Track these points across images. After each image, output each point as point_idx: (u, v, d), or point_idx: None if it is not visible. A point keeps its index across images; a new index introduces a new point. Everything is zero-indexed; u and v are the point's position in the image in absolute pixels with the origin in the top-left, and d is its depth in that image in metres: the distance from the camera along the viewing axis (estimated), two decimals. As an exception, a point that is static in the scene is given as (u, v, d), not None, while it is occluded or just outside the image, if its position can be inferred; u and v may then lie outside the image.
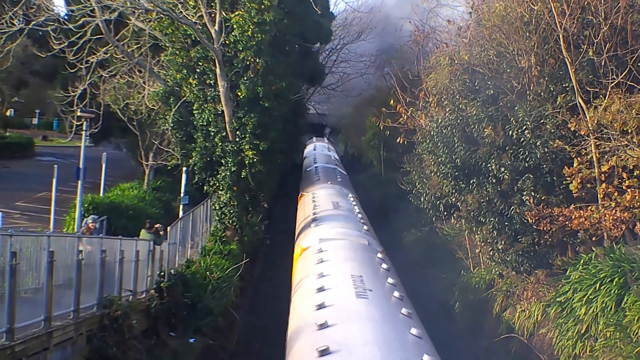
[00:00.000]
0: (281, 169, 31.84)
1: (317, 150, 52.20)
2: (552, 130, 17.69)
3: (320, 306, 12.12)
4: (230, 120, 23.68)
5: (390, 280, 14.48)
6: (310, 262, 16.94)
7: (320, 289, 13.42)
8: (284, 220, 36.83)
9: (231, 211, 24.71)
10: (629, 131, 15.79)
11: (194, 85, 23.97)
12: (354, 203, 27.62)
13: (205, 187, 24.83)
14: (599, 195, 16.75)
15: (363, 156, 55.44)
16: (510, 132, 18.44)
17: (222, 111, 23.83)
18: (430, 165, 21.81)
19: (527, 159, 18.14)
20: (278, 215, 41.24)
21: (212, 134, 24.10)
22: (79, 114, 23.49)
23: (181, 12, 21.50)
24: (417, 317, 12.50)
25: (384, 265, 16.32)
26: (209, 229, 26.62)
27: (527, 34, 18.63)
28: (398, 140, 24.43)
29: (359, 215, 24.80)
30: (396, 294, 13.44)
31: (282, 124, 25.70)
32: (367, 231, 21.68)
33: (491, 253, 20.57)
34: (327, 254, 16.85)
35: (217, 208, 24.93)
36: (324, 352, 9.65)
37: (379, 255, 17.78)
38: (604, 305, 15.03)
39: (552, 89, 18.38)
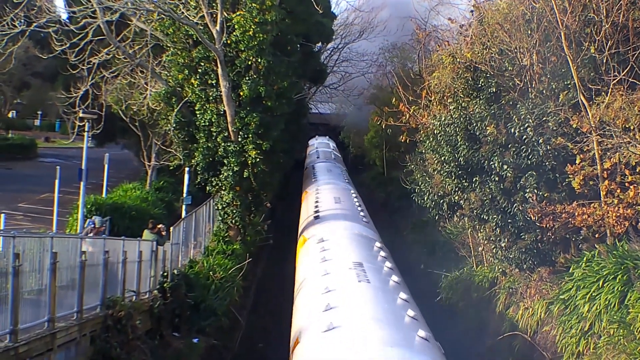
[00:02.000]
0: (284, 169, 31.96)
1: (319, 149, 52.55)
2: (555, 128, 17.62)
3: (326, 289, 13.93)
4: (233, 120, 23.76)
5: (387, 264, 16.77)
6: (313, 251, 18.75)
7: (325, 274, 15.37)
8: (286, 219, 37.00)
9: (234, 211, 24.72)
10: (631, 128, 15.69)
11: (195, 86, 24.01)
12: (355, 200, 28.61)
13: (207, 187, 24.90)
14: (601, 192, 16.69)
15: (366, 155, 55.38)
16: (512, 130, 18.38)
17: (224, 111, 23.90)
18: (433, 164, 21.78)
19: (530, 157, 18.10)
20: (281, 215, 41.42)
21: (215, 134, 24.18)
22: (81, 115, 23.55)
23: (182, 12, 21.54)
24: (413, 302, 14.01)
25: (382, 254, 18.45)
26: (211, 229, 26.67)
27: (529, 32, 18.56)
28: (400, 139, 24.50)
29: (359, 209, 26.32)
30: (395, 278, 15.18)
31: (285, 123, 25.73)
32: (366, 222, 23.69)
33: (494, 251, 20.50)
34: (329, 243, 18.74)
35: (220, 208, 24.95)
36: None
37: (377, 244, 19.80)
38: (607, 302, 14.95)
39: (554, 86, 18.30)
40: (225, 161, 24.13)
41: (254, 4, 22.55)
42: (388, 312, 12.66)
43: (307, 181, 36.98)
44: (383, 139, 44.23)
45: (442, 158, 20.59)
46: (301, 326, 13.18)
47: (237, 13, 22.84)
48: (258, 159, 23.72)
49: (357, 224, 22.99)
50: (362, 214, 25.47)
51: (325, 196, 28.36)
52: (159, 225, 21.51)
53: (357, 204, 27.57)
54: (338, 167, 42.56)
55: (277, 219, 39.78)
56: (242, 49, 23.03)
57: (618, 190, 16.19)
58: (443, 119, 20.66)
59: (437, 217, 23.88)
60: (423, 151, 23.46)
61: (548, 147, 17.68)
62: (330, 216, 24.12)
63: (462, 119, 19.89)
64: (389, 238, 24.19)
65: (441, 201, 22.18)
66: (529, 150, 18.10)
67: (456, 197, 20.88)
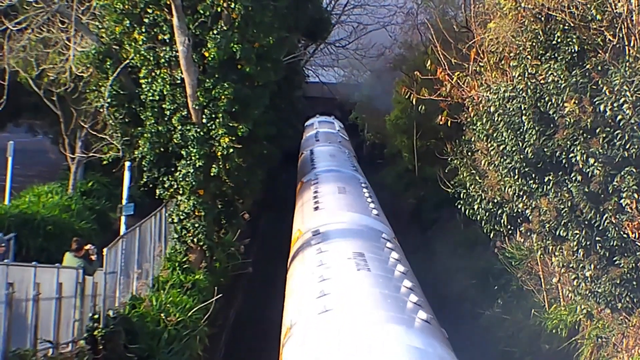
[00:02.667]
0: (269, 163, 32.13)
1: (320, 130, 53.67)
2: (664, 104, 17.54)
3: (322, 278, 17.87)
4: (194, 94, 23.79)
5: (394, 255, 20.89)
6: (308, 244, 22.92)
7: (320, 264, 19.51)
8: (274, 235, 37.22)
9: (196, 225, 24.71)
10: None
11: (140, 43, 23.99)
12: (365, 190, 32.06)
13: (157, 191, 24.97)
14: None
15: (387, 144, 55.96)
16: (602, 107, 18.29)
17: (182, 80, 23.92)
18: (487, 157, 21.83)
19: (627, 146, 18.01)
20: (266, 228, 41.81)
21: (168, 113, 24.25)
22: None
23: None
24: (419, 289, 18.33)
25: (389, 245, 22.55)
26: (163, 252, 26.76)
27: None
28: (439, 121, 24.51)
29: (369, 200, 30.13)
30: (400, 268, 19.33)
31: (270, 98, 25.85)
32: (377, 216, 27.46)
33: (575, 283, 20.35)
34: (327, 234, 23.12)
35: (176, 221, 24.96)
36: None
37: (385, 236, 23.92)
38: None
39: (663, 43, 18.37)
40: (184, 152, 24.09)
41: None
42: (389, 297, 16.41)
43: (303, 169, 40.45)
44: (413, 120, 44.63)
45: (501, 148, 20.55)
46: (293, 314, 17.47)
47: None
48: (231, 150, 23.73)
49: (365, 215, 26.55)
50: (372, 205, 28.94)
51: (327, 186, 31.55)
52: (87, 247, 21.50)
53: (366, 194, 31.08)
54: (344, 151, 44.98)
55: (261, 235, 40.04)
56: (208, -13, 23.29)
57: None
58: (502, 91, 20.62)
59: (491, 235, 23.88)
60: (472, 138, 23.52)
61: (655, 133, 17.60)
62: (332, 208, 27.52)
63: (529, 92, 19.90)
64: (421, 263, 24.35)
65: (499, 211, 22.19)
66: (626, 137, 17.99)
67: (520, 205, 20.90)
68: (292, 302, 19.22)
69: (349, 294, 16.53)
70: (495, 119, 20.68)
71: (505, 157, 20.45)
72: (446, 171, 27.92)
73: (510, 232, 23.17)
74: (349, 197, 29.66)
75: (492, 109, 20.85)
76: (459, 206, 23.92)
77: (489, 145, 21.45)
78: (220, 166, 24.18)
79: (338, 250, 21.12)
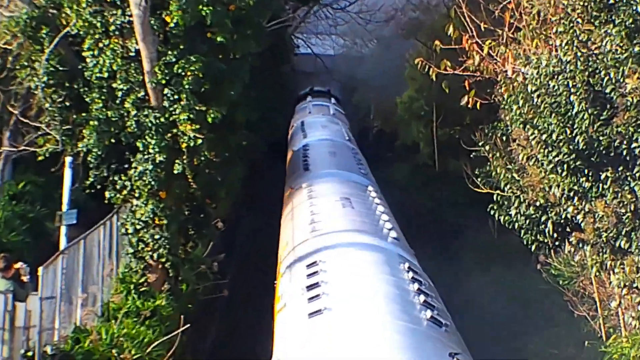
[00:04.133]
0: (250, 157, 32.62)
1: (313, 103, 54.43)
2: None
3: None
4: (153, 69, 23.88)
5: (377, 201, 29.89)
6: (299, 195, 31.04)
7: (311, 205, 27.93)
8: (256, 249, 37.37)
9: (156, 237, 24.83)
10: None
11: (84, 5, 24.04)
12: (355, 154, 38.82)
13: (107, 193, 25.09)
14: None
15: (399, 133, 55.74)
16: (673, 84, 18.26)
17: (138, 52, 24.04)
18: (527, 149, 21.86)
19: None
20: (245, 242, 41.67)
21: (120, 94, 24.36)
22: None
23: None
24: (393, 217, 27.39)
25: (373, 194, 30.91)
26: (115, 271, 26.77)
27: None
28: (464, 103, 24.10)
29: (360, 165, 37.54)
30: (381, 208, 28.23)
31: (251, 74, 25.98)
32: (364, 174, 35.60)
33: (641, 307, 20.48)
34: (316, 187, 30.97)
35: (131, 231, 25.02)
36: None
37: (371, 188, 32.19)
38: None
39: None
40: (140, 144, 24.22)
41: None
42: (368, 223, 25.83)
43: (293, 140, 45.42)
44: (432, 102, 45.15)
45: (544, 137, 20.55)
46: (288, 239, 26.38)
47: None
48: (200, 140, 23.88)
49: (354, 174, 34.37)
50: (360, 166, 36.83)
51: (318, 151, 38.46)
52: (18, 265, 21.41)
53: (357, 158, 38.39)
54: (337, 123, 48.05)
55: (240, 248, 40.02)
56: None
57: None
58: (544, 64, 20.60)
59: (533, 247, 23.61)
60: (507, 125, 23.55)
61: None
62: (324, 167, 34.99)
63: (580, 65, 19.83)
64: (442, 282, 24.57)
65: (542, 217, 22.19)
66: None
67: (570, 210, 20.89)
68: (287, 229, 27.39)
69: (333, 223, 25.32)
70: (537, 99, 20.73)
71: (550, 149, 20.47)
72: (474, 167, 27.43)
73: (556, 243, 22.89)
74: (340, 160, 34.79)
75: (532, 87, 20.88)
76: (492, 211, 23.77)
77: (529, 133, 21.39)
78: (186, 161, 24.23)
79: (327, 196, 29.16)
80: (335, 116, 53.51)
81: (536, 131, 20.89)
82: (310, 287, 20.59)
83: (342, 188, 30.56)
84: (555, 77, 20.28)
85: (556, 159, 20.35)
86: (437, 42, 25.16)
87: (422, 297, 19.56)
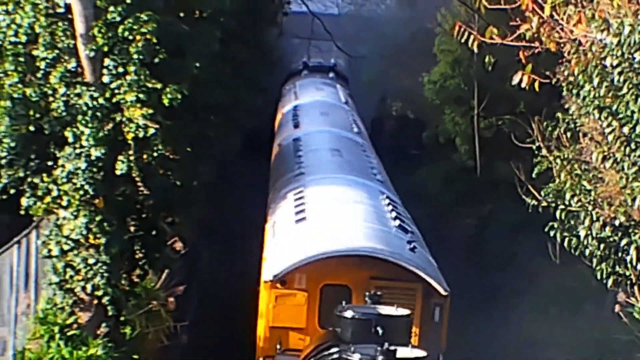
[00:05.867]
0: (221, 154, 33.14)
1: (309, 67, 57.06)
2: None
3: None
4: (89, 32, 23.11)
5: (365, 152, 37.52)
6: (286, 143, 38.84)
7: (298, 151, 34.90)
8: (224, 277, 37.52)
9: (90, 261, 23.69)
10: None
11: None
12: (351, 116, 45.26)
13: (24, 201, 23.93)
14: None
15: (427, 124, 53.41)
16: None
17: (68, 7, 23.29)
18: (602, 145, 20.66)
19: None
20: (211, 269, 40.87)
21: (43, 64, 23.50)
22: None
23: None
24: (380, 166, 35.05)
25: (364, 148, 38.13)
26: (33, 307, 25.67)
27: None
28: (517, 81, 22.10)
29: (354, 125, 43.23)
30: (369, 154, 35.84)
31: (223, 40, 26.42)
32: (357, 133, 41.75)
33: None
34: (307, 139, 37.58)
35: (56, 254, 23.74)
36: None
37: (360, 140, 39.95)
38: None
39: None
40: (70, 134, 23.24)
41: None
42: (355, 163, 34.17)
43: (283, 102, 52.08)
44: (472, 81, 44.75)
45: (626, 130, 19.48)
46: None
47: None
48: (153, 130, 23.04)
49: (346, 132, 39.77)
50: (354, 125, 42.41)
51: (309, 112, 43.70)
52: None
53: (351, 118, 44.19)
54: (333, 85, 53.07)
55: (204, 277, 39.08)
56: None
57: None
58: (628, 30, 18.96)
59: (609, 282, 21.99)
60: (575, 113, 22.50)
61: None
62: (314, 124, 40.15)
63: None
64: (486, 327, 24.50)
65: (623, 241, 20.73)
66: None
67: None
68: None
69: (319, 166, 33.78)
70: (618, 78, 19.40)
71: (634, 146, 19.65)
72: (529, 171, 25.86)
73: (641, 278, 21.55)
74: (332, 119, 42.24)
75: (611, 60, 19.45)
76: (552, 231, 22.09)
77: (606, 124, 20.30)
78: (133, 158, 23.20)
79: (317, 147, 36.12)
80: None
81: (615, 122, 19.92)
82: (297, 207, 27.06)
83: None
84: (644, 48, 18.24)
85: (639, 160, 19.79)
86: (481, 2, 23.04)
87: (394, 214, 27.20)
